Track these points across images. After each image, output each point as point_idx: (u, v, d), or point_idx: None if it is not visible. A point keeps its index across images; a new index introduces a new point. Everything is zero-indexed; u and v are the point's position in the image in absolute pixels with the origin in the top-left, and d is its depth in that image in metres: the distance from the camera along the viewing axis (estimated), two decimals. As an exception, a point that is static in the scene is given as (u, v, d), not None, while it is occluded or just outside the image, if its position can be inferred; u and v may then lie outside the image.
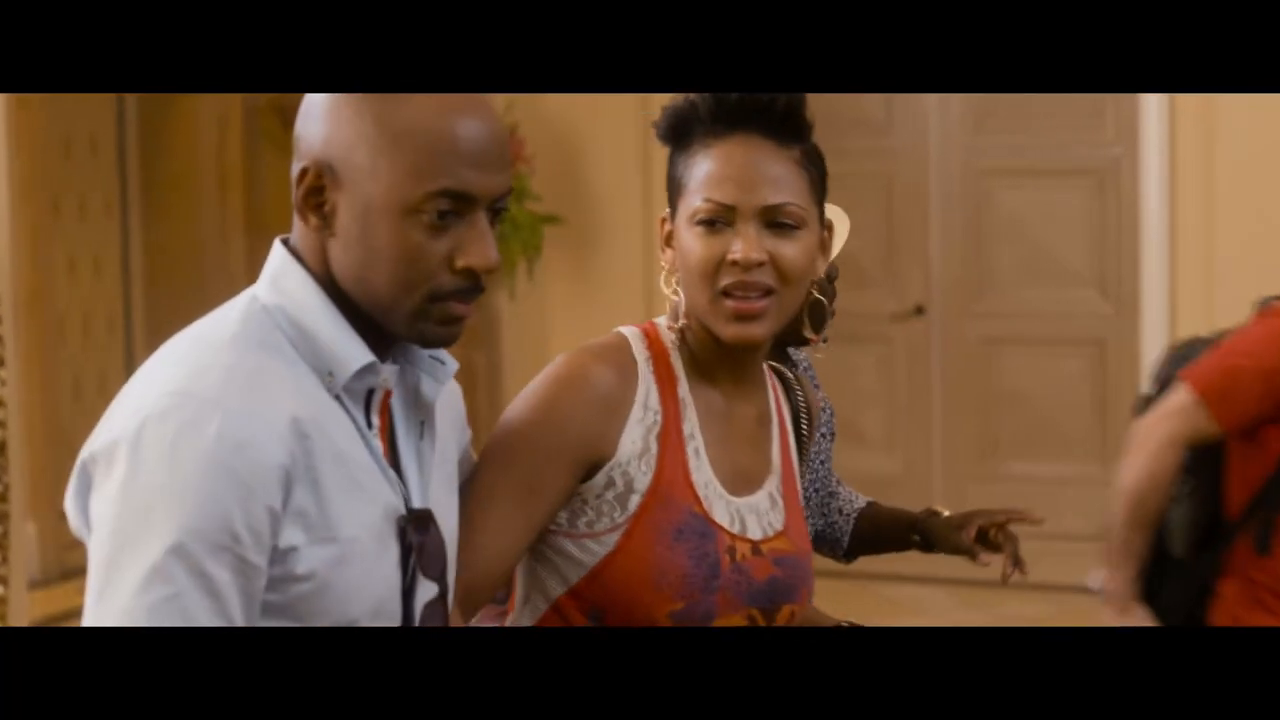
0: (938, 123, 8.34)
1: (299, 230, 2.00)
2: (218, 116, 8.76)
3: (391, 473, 1.99)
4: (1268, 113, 7.46)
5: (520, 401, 2.29)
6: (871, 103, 8.34)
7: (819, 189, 2.32)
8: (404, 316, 1.95)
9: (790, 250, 2.27)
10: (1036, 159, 8.26)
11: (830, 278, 3.18)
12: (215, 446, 1.81)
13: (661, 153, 8.06)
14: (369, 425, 1.98)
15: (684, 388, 2.34)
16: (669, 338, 2.37)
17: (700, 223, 2.27)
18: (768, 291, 2.26)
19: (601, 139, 8.51)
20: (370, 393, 1.99)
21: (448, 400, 2.17)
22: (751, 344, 2.30)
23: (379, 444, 1.99)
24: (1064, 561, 7.90)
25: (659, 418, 2.30)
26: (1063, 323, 8.24)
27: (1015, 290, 8.31)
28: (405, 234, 1.92)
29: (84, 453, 1.89)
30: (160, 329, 8.71)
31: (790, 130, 2.29)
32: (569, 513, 2.27)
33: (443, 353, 2.07)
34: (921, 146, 8.36)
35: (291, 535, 1.86)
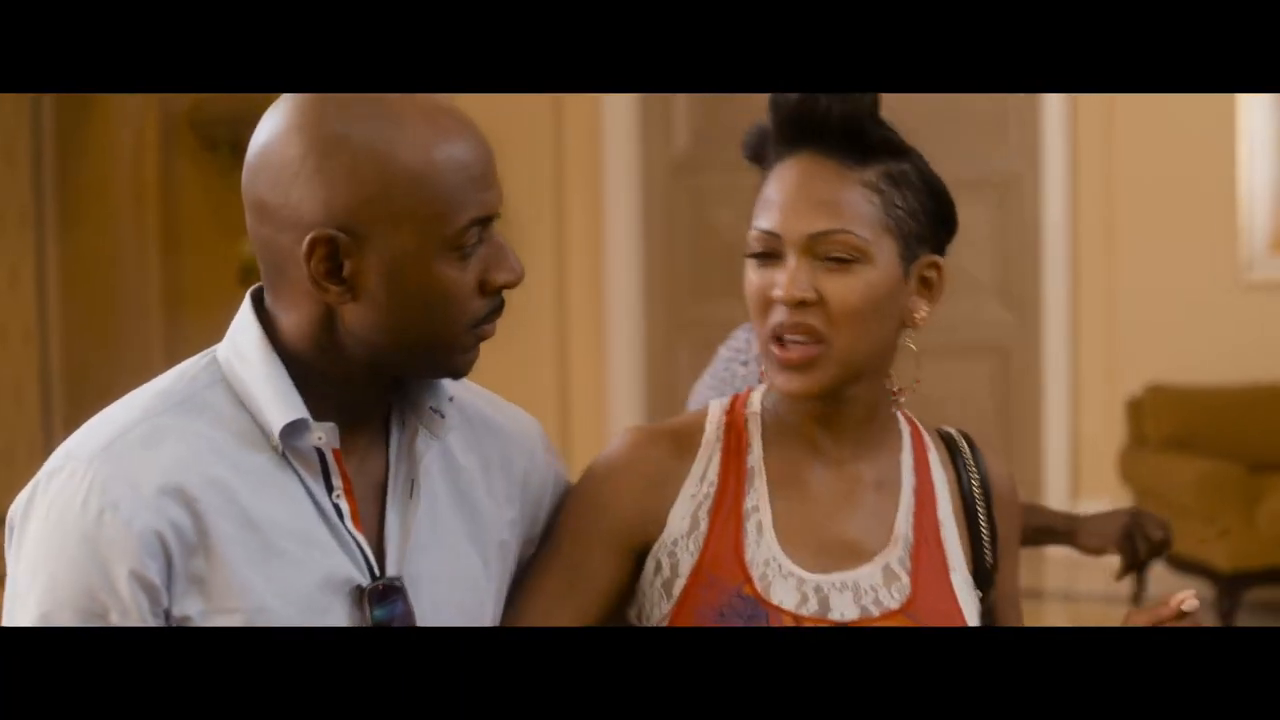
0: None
1: (277, 291, 1.87)
2: (133, 129, 8.70)
3: (352, 538, 1.86)
4: (1167, 123, 7.56)
5: (575, 485, 2.10)
6: (779, 117, 8.37)
7: (900, 216, 2.00)
8: (445, 355, 1.87)
9: (841, 288, 1.95)
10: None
11: None
12: (80, 512, 1.76)
13: (575, 164, 8.00)
14: (329, 486, 1.85)
15: (755, 455, 2.06)
16: (755, 401, 2.11)
17: (752, 255, 2.00)
18: (817, 338, 1.96)
19: (514, 152, 8.51)
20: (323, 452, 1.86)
21: (490, 450, 2.04)
22: (803, 397, 2.00)
23: (346, 505, 1.86)
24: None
25: (713, 490, 2.03)
26: (967, 331, 8.30)
27: (920, 300, 8.36)
28: (443, 273, 1.82)
29: (11, 508, 1.86)
30: (76, 341, 8.66)
31: (855, 147, 2.01)
32: (635, 607, 2.06)
33: (444, 403, 1.94)
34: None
35: (187, 604, 1.77)
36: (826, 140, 2.00)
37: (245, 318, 1.88)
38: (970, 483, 2.13)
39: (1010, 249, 8.18)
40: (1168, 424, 7.06)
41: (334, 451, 1.85)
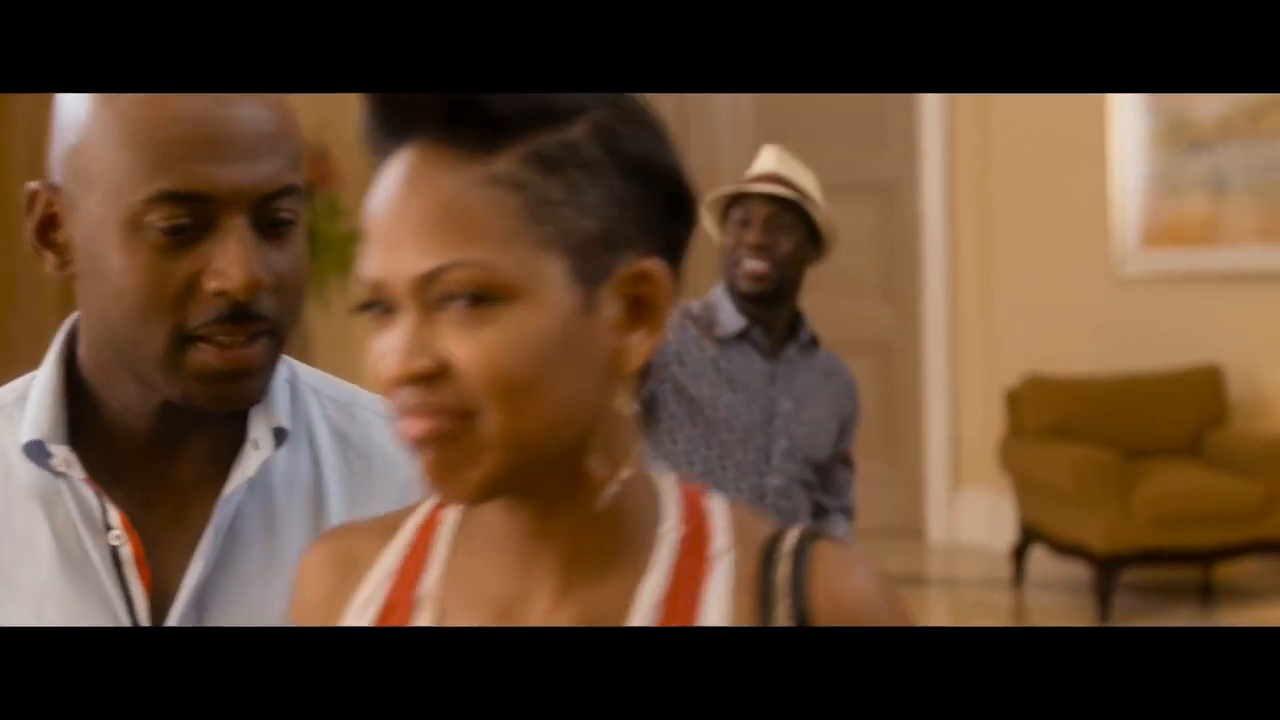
0: (729, 141, 8.42)
1: None
2: (29, 135, 8.61)
3: (120, 584, 1.51)
4: (1041, 126, 7.66)
5: None
6: (667, 121, 8.39)
7: (564, 215, 1.23)
8: (157, 369, 1.46)
9: (476, 347, 1.21)
10: (823, 176, 8.34)
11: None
12: None
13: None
14: (107, 523, 1.51)
15: (429, 580, 1.36)
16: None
17: (362, 308, 1.27)
18: (461, 414, 1.22)
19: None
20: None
21: (366, 482, 1.60)
22: (458, 502, 1.26)
23: (127, 549, 1.50)
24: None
25: (374, 623, 1.36)
26: (849, 330, 8.36)
27: (804, 299, 8.40)
28: (133, 254, 1.42)
29: None
30: (-25, 347, 8.54)
31: (473, 122, 1.24)
32: None
33: (264, 432, 1.53)
34: (714, 164, 8.44)
35: None
36: (432, 120, 1.24)
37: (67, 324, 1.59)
38: (770, 613, 1.32)
39: (891, 250, 8.25)
40: (1046, 413, 7.15)
41: (86, 482, 1.50)
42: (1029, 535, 7.18)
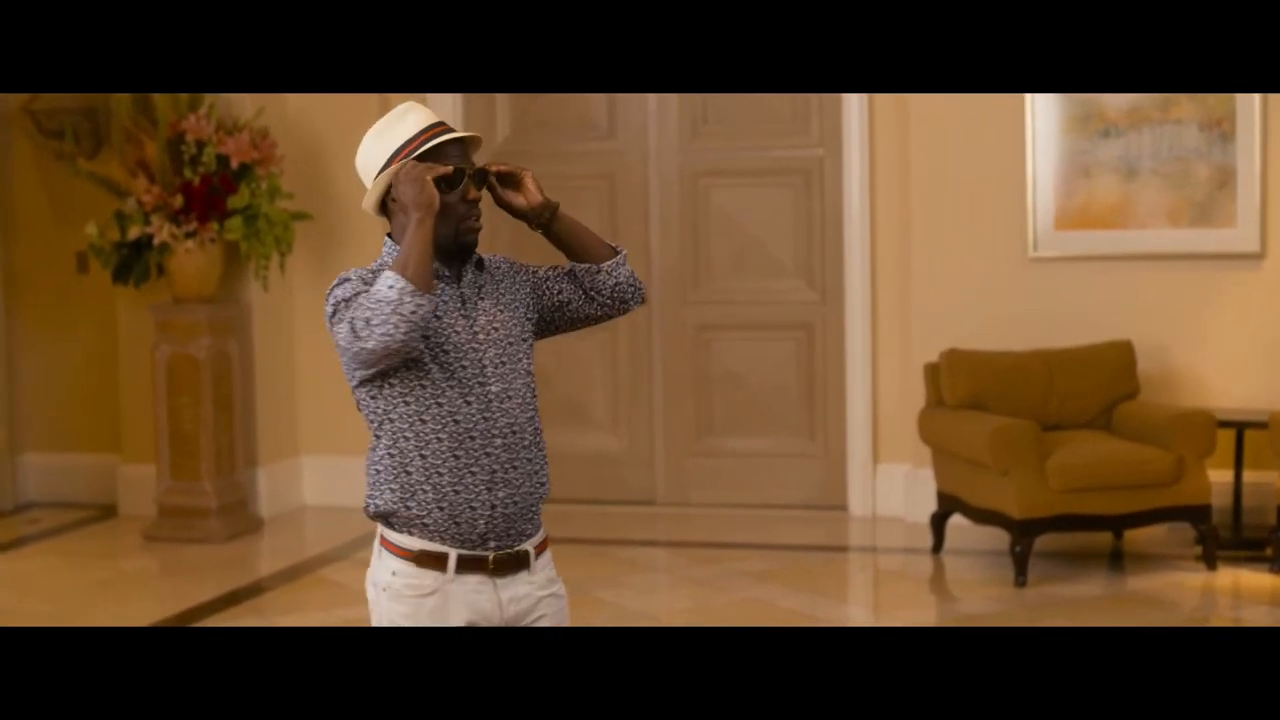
0: (656, 127, 8.39)
1: None
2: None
3: None
4: (958, 114, 7.66)
5: None
6: (595, 109, 8.36)
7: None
8: None
9: None
10: (747, 160, 8.35)
11: None
12: None
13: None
14: None
15: None
16: None
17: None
18: None
19: (344, 139, 8.41)
20: None
21: None
22: None
23: None
24: (778, 525, 8.03)
25: None
26: (772, 310, 8.35)
27: (728, 280, 8.39)
28: None
29: None
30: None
31: None
32: None
33: None
34: (641, 149, 8.41)
35: None
36: None
37: None
38: None
39: (813, 232, 8.24)
40: (963, 387, 7.17)
41: None
42: (948, 504, 7.20)
